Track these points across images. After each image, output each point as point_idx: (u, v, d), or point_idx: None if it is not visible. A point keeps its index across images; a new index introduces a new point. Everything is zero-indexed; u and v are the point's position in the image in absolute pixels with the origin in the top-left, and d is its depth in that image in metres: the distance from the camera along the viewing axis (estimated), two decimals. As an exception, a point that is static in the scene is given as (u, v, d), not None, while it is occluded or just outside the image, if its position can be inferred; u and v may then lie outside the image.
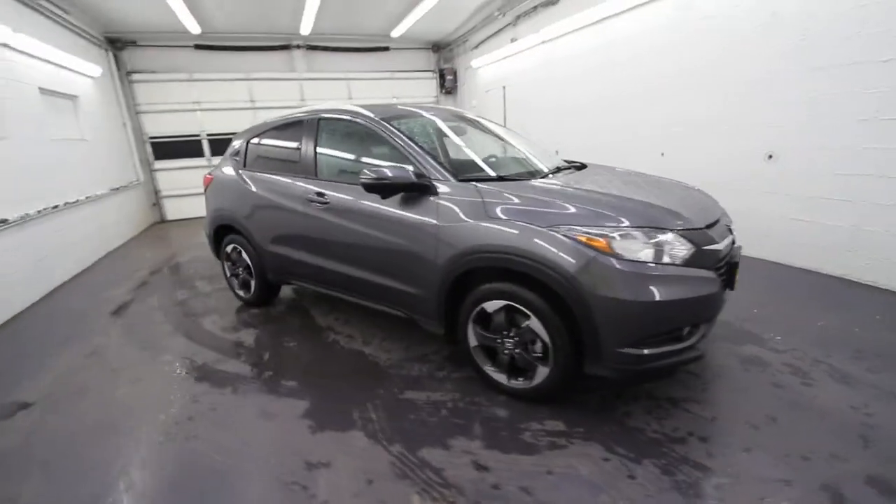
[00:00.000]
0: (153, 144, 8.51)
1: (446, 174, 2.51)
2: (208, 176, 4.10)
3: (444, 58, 10.45)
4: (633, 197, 2.31)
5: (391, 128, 2.77)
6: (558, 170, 2.93)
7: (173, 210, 8.89)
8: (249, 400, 2.58)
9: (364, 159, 3.02)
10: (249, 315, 3.82)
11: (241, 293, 4.03)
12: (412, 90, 10.27)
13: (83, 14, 6.51)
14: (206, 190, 4.13)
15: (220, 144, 8.89)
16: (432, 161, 2.57)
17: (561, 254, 2.02)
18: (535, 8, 7.06)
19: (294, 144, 3.34)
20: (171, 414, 2.47)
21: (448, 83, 10.21)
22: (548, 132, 7.14)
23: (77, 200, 5.55)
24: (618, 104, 5.86)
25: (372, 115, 2.90)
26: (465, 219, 2.33)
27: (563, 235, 2.04)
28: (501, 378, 2.42)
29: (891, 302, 3.28)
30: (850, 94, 3.49)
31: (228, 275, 4.09)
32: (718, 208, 2.58)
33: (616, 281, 1.95)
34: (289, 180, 3.28)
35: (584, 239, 2.01)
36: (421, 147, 2.65)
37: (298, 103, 9.32)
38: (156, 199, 8.72)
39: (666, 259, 2.02)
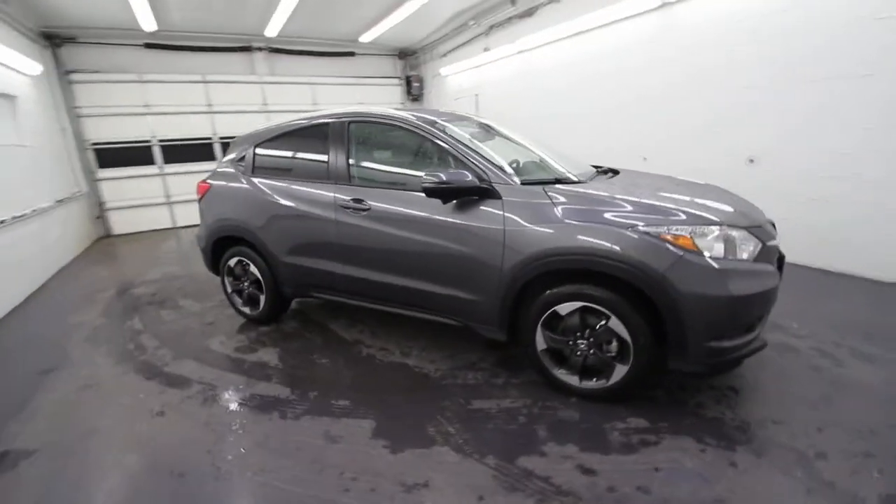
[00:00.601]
0: (96, 151, 7.66)
1: (509, 178, 2.49)
2: (203, 184, 3.75)
3: (409, 65, 10.41)
4: (698, 198, 2.41)
5: (440, 132, 2.70)
6: (596, 174, 3.00)
7: (121, 223, 8.04)
8: (305, 424, 2.37)
9: (409, 164, 2.91)
10: (260, 333, 3.53)
11: (245, 310, 3.71)
12: (378, 96, 10.10)
13: (17, 4, 5.75)
14: (200, 200, 3.78)
15: (174, 151, 8.21)
16: (494, 165, 2.54)
17: (649, 254, 2.06)
18: (509, 19, 7.23)
19: (318, 149, 3.14)
20: (219, 448, 2.21)
21: (415, 90, 10.16)
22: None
23: (23, 214, 4.85)
24: (599, 113, 6.13)
25: (414, 119, 2.81)
26: (537, 222, 2.31)
27: (648, 235, 2.09)
28: (573, 380, 2.41)
29: (873, 289, 3.68)
30: (825, 105, 3.90)
31: (230, 290, 3.76)
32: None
33: (704, 278, 2.02)
34: (314, 187, 3.08)
35: (670, 238, 2.07)
36: (478, 150, 2.61)
37: (260, 108, 8.86)
38: (100, 211, 7.83)
39: (743, 255, 2.13)
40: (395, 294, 2.88)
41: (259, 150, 3.49)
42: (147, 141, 8.01)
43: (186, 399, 2.66)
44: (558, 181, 2.57)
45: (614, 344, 2.26)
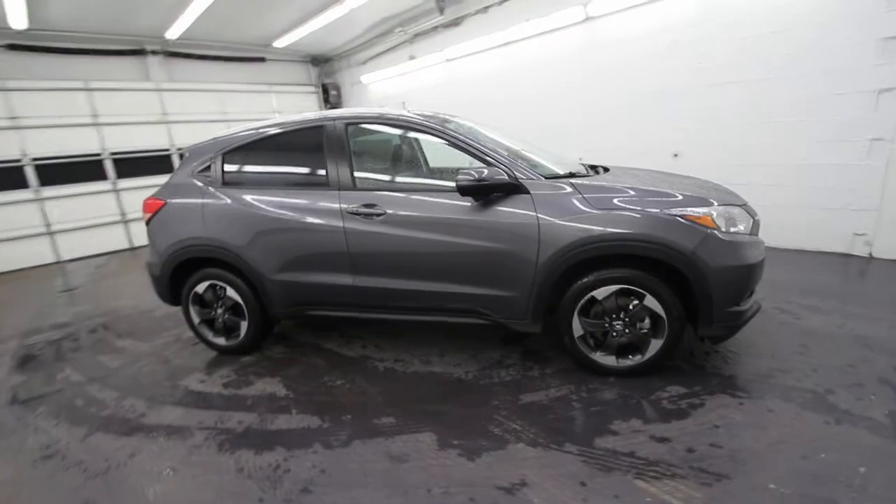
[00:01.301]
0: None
1: (533, 173, 2.56)
2: (154, 201, 3.22)
3: (324, 72, 10.03)
4: (692, 185, 2.71)
5: (455, 131, 2.68)
6: (595, 170, 3.17)
7: (-17, 262, 6.50)
8: (358, 450, 2.16)
9: (420, 165, 2.82)
10: (245, 365, 3.13)
11: (218, 341, 3.26)
12: (293, 104, 9.57)
13: None
14: (150, 220, 3.24)
15: (54, 171, 6.89)
16: (517, 161, 2.58)
17: (680, 234, 2.28)
18: (435, 28, 7.38)
19: (311, 155, 2.91)
20: (274, 493, 1.92)
21: (332, 98, 9.82)
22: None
23: None
24: (531, 119, 6.53)
25: (422, 119, 2.75)
26: (569, 213, 2.41)
27: (675, 217, 2.30)
28: (609, 360, 2.55)
29: (789, 257, 4.45)
30: (737, 105, 4.65)
31: (197, 321, 3.27)
32: None
33: (725, 251, 2.29)
34: (311, 196, 2.84)
35: (694, 218, 2.30)
36: (499, 147, 2.63)
37: (159, 118, 7.84)
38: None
39: (744, 229, 2.45)
40: (417, 300, 2.77)
41: (229, 159, 3.11)
42: (18, 160, 6.61)
43: (195, 449, 2.26)
44: (572, 175, 2.71)
45: (647, 321, 2.44)
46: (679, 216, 2.31)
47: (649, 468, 1.89)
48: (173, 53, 7.86)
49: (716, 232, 2.30)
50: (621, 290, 2.41)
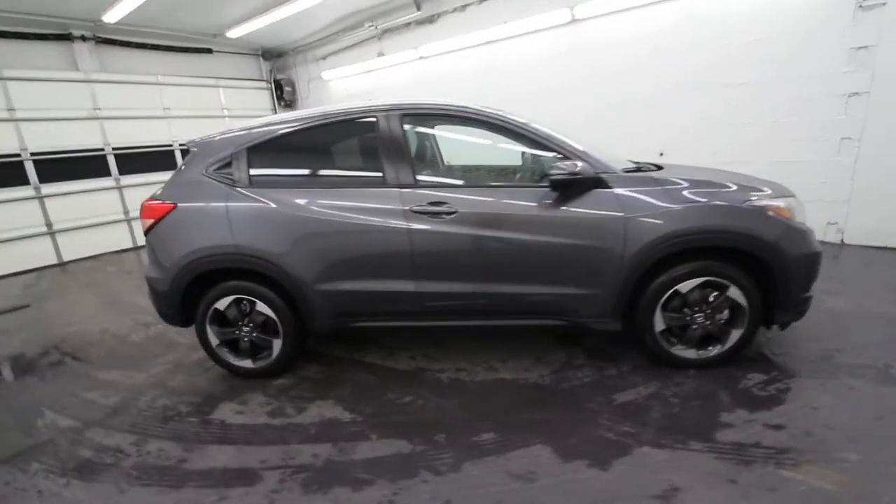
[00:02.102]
0: None
1: (612, 166, 2.50)
2: (158, 204, 2.72)
3: (277, 67, 9.34)
4: (747, 179, 2.81)
5: (525, 123, 2.54)
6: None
7: None
8: (473, 472, 1.95)
9: (487, 158, 2.64)
10: (281, 389, 2.74)
11: (242, 364, 2.83)
12: (243, 101, 8.81)
13: None
14: (152, 227, 2.73)
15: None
16: (596, 155, 2.50)
17: (765, 225, 2.33)
18: (408, 24, 7.16)
19: (362, 149, 2.63)
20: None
21: (287, 95, 9.18)
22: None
23: None
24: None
25: (489, 111, 2.58)
26: (654, 207, 2.38)
27: (758, 210, 2.36)
28: (690, 353, 2.55)
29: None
30: (720, 107, 4.98)
31: (217, 342, 2.81)
32: None
33: (801, 239, 2.38)
34: (367, 195, 2.56)
35: (775, 209, 2.37)
36: (572, 141, 2.54)
37: (90, 112, 6.80)
38: None
39: (805, 218, 2.58)
40: (490, 304, 2.59)
41: (257, 156, 2.71)
42: None
43: (273, 494, 1.91)
44: (640, 169, 2.69)
45: (726, 312, 2.48)
46: (760, 207, 2.36)
47: (783, 456, 1.89)
48: (106, 40, 6.86)
49: (791, 222, 2.39)
50: (705, 282, 2.43)
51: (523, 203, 2.45)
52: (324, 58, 8.59)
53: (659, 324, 2.51)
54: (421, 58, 7.22)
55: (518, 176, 2.67)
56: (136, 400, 2.76)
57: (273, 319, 2.72)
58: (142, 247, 7.42)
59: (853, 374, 2.43)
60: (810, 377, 2.44)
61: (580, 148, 2.50)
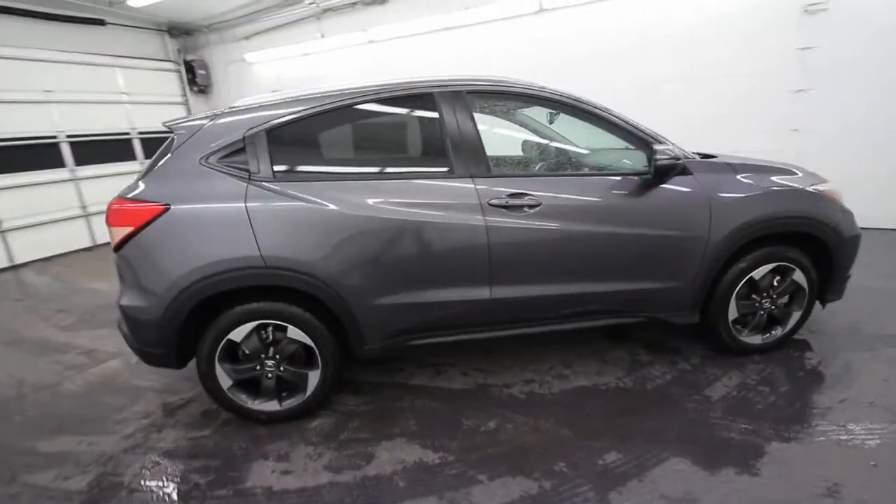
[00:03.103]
0: None
1: (688, 152, 2.38)
2: (142, 206, 2.00)
3: (187, 46, 8.00)
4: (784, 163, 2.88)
5: (605, 108, 2.32)
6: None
7: None
8: (618, 500, 1.68)
9: (563, 144, 2.35)
10: (323, 432, 2.20)
11: (266, 407, 2.23)
12: (146, 84, 7.41)
13: None
14: (131, 237, 2.01)
15: None
16: (672, 142, 2.36)
17: (830, 209, 2.39)
18: (354, 4, 6.53)
19: (416, 131, 2.19)
20: None
21: (200, 79, 7.92)
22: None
23: None
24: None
25: (557, 90, 2.30)
26: (734, 193, 2.32)
27: (821, 195, 2.41)
28: (755, 339, 2.55)
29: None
30: (676, 102, 5.25)
31: (230, 384, 2.17)
32: None
33: (850, 222, 2.48)
34: (432, 187, 2.14)
35: (831, 194, 2.45)
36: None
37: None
38: None
39: (843, 202, 2.72)
40: (568, 307, 2.34)
41: (280, 140, 2.12)
42: None
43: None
44: (707, 156, 2.61)
45: (786, 297, 2.52)
46: (824, 192, 2.42)
47: (901, 433, 1.92)
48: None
49: (844, 205, 2.49)
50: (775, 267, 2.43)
51: (613, 192, 2.24)
52: (247, 38, 7.54)
53: (733, 312, 2.47)
54: (371, 42, 6.65)
55: (596, 163, 2.44)
56: (118, 477, 2.01)
57: (309, 347, 2.17)
58: (18, 266, 5.87)
59: (890, 343, 2.61)
60: (856, 351, 2.56)
61: (659, 134, 2.34)
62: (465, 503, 1.73)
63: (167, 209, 1.99)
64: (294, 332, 2.14)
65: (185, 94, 7.96)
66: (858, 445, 1.87)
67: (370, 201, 2.08)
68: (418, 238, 2.10)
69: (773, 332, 2.57)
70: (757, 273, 2.41)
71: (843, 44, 4.43)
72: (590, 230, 2.21)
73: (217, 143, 2.08)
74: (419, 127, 2.22)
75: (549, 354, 2.74)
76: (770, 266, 2.41)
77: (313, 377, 2.22)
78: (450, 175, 2.15)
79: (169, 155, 2.09)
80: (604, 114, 2.30)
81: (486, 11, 5.76)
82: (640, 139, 2.29)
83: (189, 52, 8.03)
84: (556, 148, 2.60)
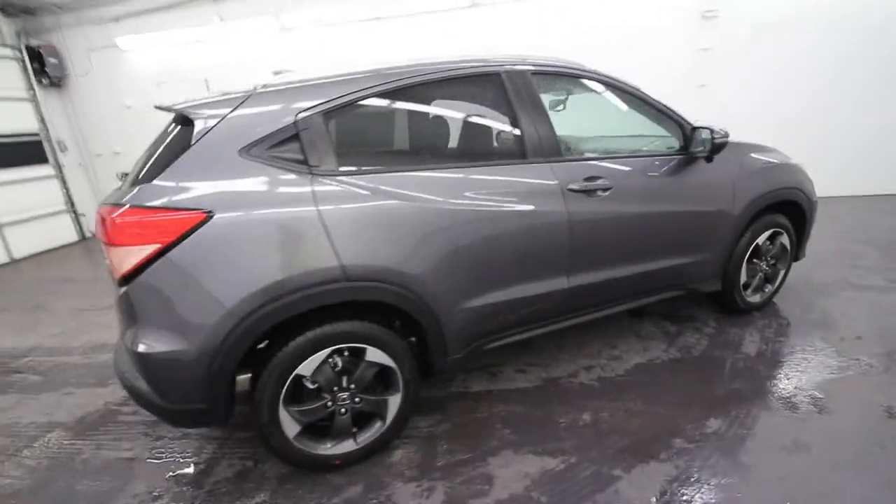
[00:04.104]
0: None
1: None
2: (175, 215, 1.48)
3: (31, 29, 6.27)
4: None
5: (637, 89, 2.38)
6: None
7: None
8: (751, 462, 1.76)
9: (617, 126, 2.35)
10: (413, 463, 1.90)
11: (339, 449, 1.84)
12: (-29, 75, 5.64)
13: None
14: (155, 257, 1.48)
15: None
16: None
17: (806, 178, 2.81)
18: (263, -15, 5.81)
19: (488, 113, 1.99)
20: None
21: (52, 69, 6.30)
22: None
23: None
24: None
25: (607, 73, 2.32)
26: (748, 169, 2.59)
27: (798, 166, 2.82)
28: (756, 298, 2.89)
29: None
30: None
31: (297, 431, 1.74)
32: None
33: (814, 189, 2.95)
34: (506, 170, 1.98)
35: (800, 167, 2.88)
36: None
37: None
38: None
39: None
40: (629, 288, 2.39)
41: (340, 125, 1.76)
42: None
43: None
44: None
45: (775, 258, 2.91)
46: (796, 163, 2.84)
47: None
48: None
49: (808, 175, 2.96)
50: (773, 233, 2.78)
51: (668, 172, 2.33)
52: (117, 20, 6.21)
53: (743, 276, 2.76)
54: (284, 29, 5.98)
55: (647, 145, 2.50)
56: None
57: (387, 369, 1.85)
58: None
59: (840, 288, 3.18)
60: (820, 298, 3.08)
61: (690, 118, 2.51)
62: (623, 500, 1.64)
63: (209, 217, 1.51)
64: (374, 354, 1.80)
65: (31, 89, 6.24)
66: (880, 372, 2.23)
67: (455, 193, 1.84)
68: (505, 230, 1.93)
69: (765, 289, 2.94)
70: (760, 239, 2.73)
71: (731, 44, 5.29)
72: (653, 210, 2.28)
73: (262, 130, 1.64)
74: (489, 109, 2.03)
75: (590, 339, 2.76)
76: (769, 232, 2.75)
77: (393, 403, 1.90)
78: (525, 161, 2.01)
79: (191, 146, 1.58)
80: (648, 97, 2.38)
81: (418, 3, 5.60)
82: (675, 121, 2.42)
83: (34, 35, 6.32)
84: (611, 128, 2.63)
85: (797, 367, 2.35)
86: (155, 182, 1.55)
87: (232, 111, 1.64)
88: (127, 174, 1.99)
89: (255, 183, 1.60)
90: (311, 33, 5.99)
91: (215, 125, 1.61)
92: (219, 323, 1.52)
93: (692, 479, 1.71)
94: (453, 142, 2.06)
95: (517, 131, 2.01)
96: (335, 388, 1.78)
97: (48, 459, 2.11)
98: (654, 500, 1.63)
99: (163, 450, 2.11)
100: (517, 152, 2.01)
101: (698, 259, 2.54)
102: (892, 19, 4.98)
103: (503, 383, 2.41)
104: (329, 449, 1.83)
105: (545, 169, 2.02)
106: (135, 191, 1.56)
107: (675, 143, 2.42)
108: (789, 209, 2.81)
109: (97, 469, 2.02)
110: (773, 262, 2.86)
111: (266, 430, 1.70)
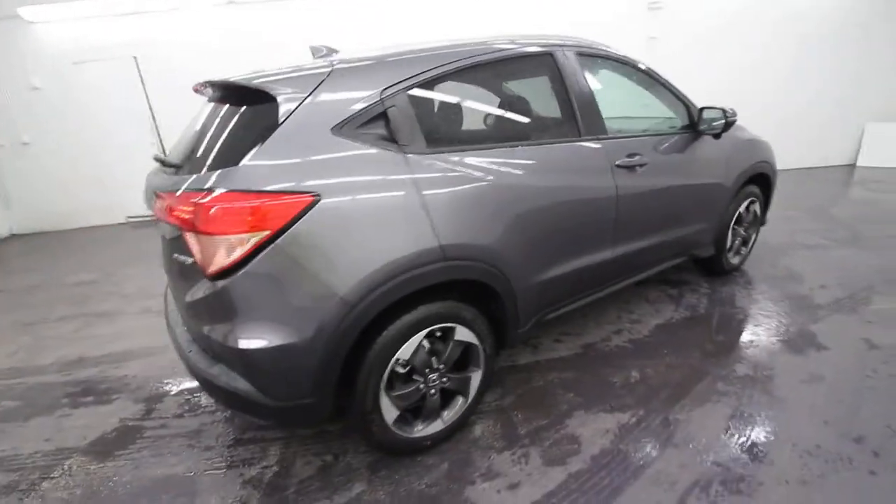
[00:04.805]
0: None
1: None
2: (284, 199, 1.37)
3: None
4: None
5: (654, 71, 2.58)
6: None
7: None
8: (786, 396, 2.06)
9: (640, 105, 2.52)
10: (496, 435, 1.97)
11: (430, 430, 1.85)
12: None
13: None
14: (263, 245, 1.37)
15: None
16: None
17: (772, 152, 3.23)
18: (202, -47, 5.25)
19: (542, 92, 2.06)
20: (864, 465, 1.67)
21: (-71, 41, 5.18)
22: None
23: None
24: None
25: (630, 56, 2.48)
26: (735, 145, 2.91)
27: (766, 142, 3.23)
28: (736, 259, 3.30)
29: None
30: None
31: (395, 416, 1.72)
32: None
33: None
34: (565, 148, 2.08)
35: (768, 143, 3.30)
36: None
37: None
38: None
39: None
40: (654, 256, 2.62)
41: (423, 103, 1.72)
42: None
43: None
44: None
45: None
46: (762, 140, 3.25)
47: None
48: None
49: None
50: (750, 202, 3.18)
51: (688, 148, 2.57)
52: (17, -17, 5.26)
53: (729, 240, 3.14)
54: (231, 2, 5.48)
55: (666, 124, 2.69)
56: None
57: (470, 345, 1.88)
58: None
59: (795, 247, 3.72)
60: (784, 256, 3.58)
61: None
62: (701, 439, 1.85)
63: (317, 200, 1.42)
64: (462, 333, 1.82)
65: None
66: (862, 314, 2.68)
67: (531, 170, 1.90)
68: (570, 205, 2.03)
69: (741, 252, 3.36)
70: (741, 208, 3.11)
71: (674, 32, 5.81)
72: (675, 183, 2.51)
73: (353, 108, 1.55)
74: (548, 87, 2.07)
75: (607, 307, 2.97)
76: (748, 201, 3.14)
77: (475, 379, 1.94)
78: (581, 138, 2.11)
79: (280, 125, 1.46)
80: (663, 78, 2.58)
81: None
82: (683, 101, 2.65)
83: None
84: (636, 108, 2.80)
85: (786, 314, 2.74)
86: (245, 163, 1.41)
87: (318, 86, 1.54)
88: (163, 160, 1.79)
89: (353, 162, 1.52)
90: (260, 8, 5.55)
91: (302, 102, 1.50)
92: (332, 311, 1.45)
93: (745, 414, 1.96)
94: (525, 120, 2.10)
95: (573, 110, 2.10)
96: (426, 370, 1.77)
97: (80, 488, 1.86)
98: (723, 436, 1.86)
99: (219, 459, 1.95)
100: (574, 130, 2.10)
101: (703, 227, 2.84)
102: (812, 10, 5.81)
103: (546, 353, 2.54)
104: (421, 431, 1.83)
105: (598, 146, 2.14)
106: (216, 174, 1.41)
107: (684, 122, 2.67)
108: (760, 181, 3.23)
109: (148, 489, 1.83)
110: (747, 227, 3.28)
111: (368, 419, 1.66)
